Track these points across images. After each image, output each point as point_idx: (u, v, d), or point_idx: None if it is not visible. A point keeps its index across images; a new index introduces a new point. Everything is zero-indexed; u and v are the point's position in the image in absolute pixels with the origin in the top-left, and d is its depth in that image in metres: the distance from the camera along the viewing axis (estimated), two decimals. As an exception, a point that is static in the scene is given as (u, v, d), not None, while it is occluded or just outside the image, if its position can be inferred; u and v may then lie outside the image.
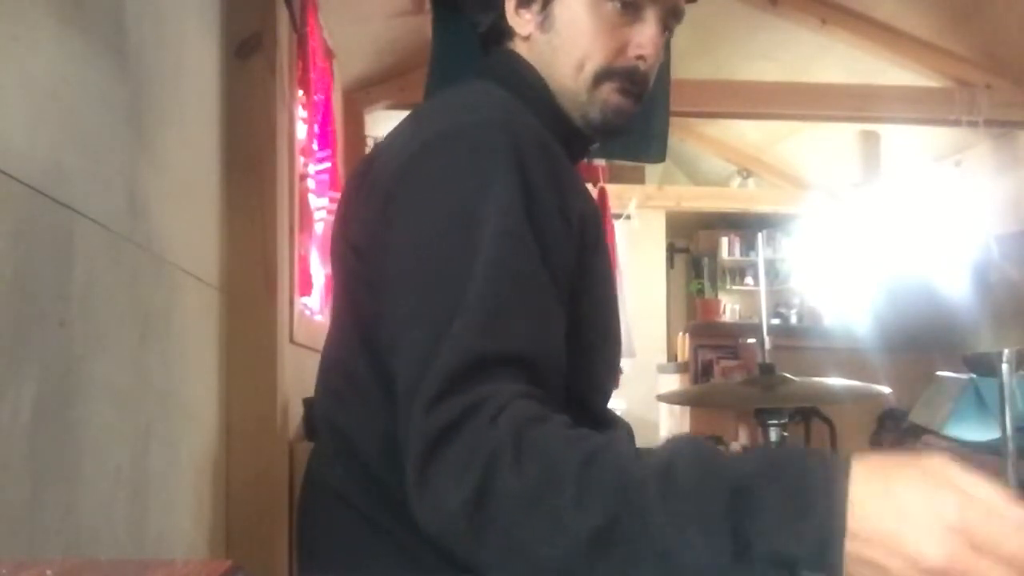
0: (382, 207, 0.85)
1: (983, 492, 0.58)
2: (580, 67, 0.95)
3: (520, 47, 1.00)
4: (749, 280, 7.40)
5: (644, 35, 0.94)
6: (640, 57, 0.95)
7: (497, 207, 0.79)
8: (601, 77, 0.95)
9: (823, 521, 0.59)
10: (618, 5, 0.93)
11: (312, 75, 2.24)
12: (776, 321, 6.42)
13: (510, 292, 0.76)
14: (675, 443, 0.67)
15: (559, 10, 0.95)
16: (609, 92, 0.95)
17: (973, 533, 0.57)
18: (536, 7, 0.97)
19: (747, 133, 5.68)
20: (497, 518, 0.66)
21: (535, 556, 0.66)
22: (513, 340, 0.75)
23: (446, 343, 0.72)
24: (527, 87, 0.97)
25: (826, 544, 0.59)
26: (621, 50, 0.95)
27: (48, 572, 0.50)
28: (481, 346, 0.73)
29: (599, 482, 0.65)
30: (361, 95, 3.35)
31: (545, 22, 0.96)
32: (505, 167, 0.81)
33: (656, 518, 0.63)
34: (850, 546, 0.59)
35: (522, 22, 0.98)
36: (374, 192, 0.88)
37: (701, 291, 7.47)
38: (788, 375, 1.67)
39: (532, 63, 0.98)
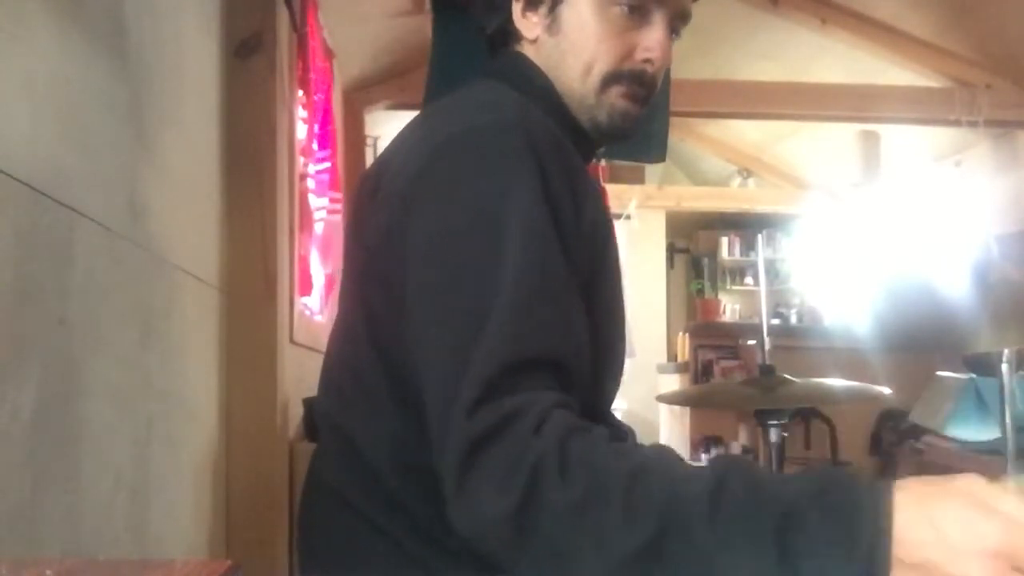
0: (398, 208, 0.85)
1: (1022, 514, 0.59)
2: (588, 70, 0.95)
3: (527, 50, 0.99)
4: (749, 280, 7.40)
5: (652, 38, 0.94)
6: (648, 60, 0.95)
7: (519, 207, 0.78)
8: (609, 80, 0.95)
9: (870, 548, 0.60)
10: (625, 8, 0.93)
11: (312, 75, 2.24)
12: (776, 321, 6.40)
13: (538, 293, 0.76)
14: (723, 461, 0.68)
15: (566, 13, 0.95)
16: (616, 96, 0.95)
17: (1014, 557, 0.58)
18: (543, 10, 0.96)
19: (747, 133, 5.68)
20: (541, 529, 0.67)
21: (578, 569, 0.66)
22: (545, 342, 0.75)
23: (480, 347, 0.72)
24: (535, 89, 0.96)
25: (872, 572, 0.60)
26: (629, 53, 0.94)
27: (48, 572, 0.50)
28: (515, 350, 0.73)
29: (646, 498, 0.65)
30: (361, 95, 3.35)
31: (552, 25, 0.96)
32: (524, 167, 0.80)
33: (703, 537, 0.63)
34: (896, 574, 0.59)
35: (529, 25, 0.98)
36: (389, 193, 0.87)
37: (701, 291, 7.46)
38: (788, 375, 1.67)
39: (539, 66, 0.98)
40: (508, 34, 1.00)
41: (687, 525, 0.63)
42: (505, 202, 0.79)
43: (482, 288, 0.76)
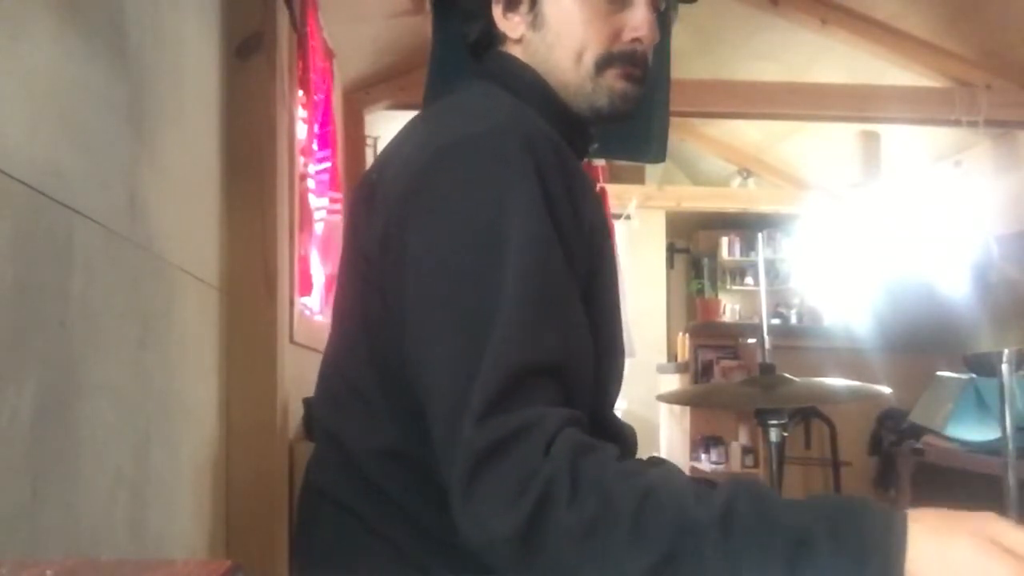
0: (395, 217, 0.84)
1: None
2: (579, 58, 0.95)
3: (513, 50, 1.00)
4: (749, 280, 7.41)
5: (637, 17, 0.95)
6: (636, 39, 0.96)
7: (518, 214, 0.78)
8: (602, 64, 0.95)
9: None
10: None
11: (312, 75, 2.24)
12: (776, 321, 6.41)
13: (542, 301, 0.76)
14: (734, 484, 0.67)
15: (548, 8, 0.96)
16: (614, 78, 0.96)
17: None
18: (524, 8, 0.97)
19: (747, 133, 5.68)
20: (550, 549, 0.67)
21: None
22: (550, 350, 0.75)
23: (487, 356, 0.72)
24: (527, 87, 0.96)
25: None
26: (616, 35, 0.95)
27: (48, 572, 0.50)
28: (522, 359, 0.73)
29: (656, 521, 0.65)
30: (361, 95, 3.35)
31: (536, 21, 0.97)
32: (521, 174, 0.80)
33: (713, 563, 0.63)
34: None
35: (512, 25, 0.98)
36: (387, 200, 0.87)
37: (701, 291, 7.47)
38: (788, 375, 1.67)
39: (527, 63, 0.98)
40: (492, 37, 1.00)
41: (697, 549, 0.63)
42: (504, 210, 0.79)
43: (484, 297, 0.75)
